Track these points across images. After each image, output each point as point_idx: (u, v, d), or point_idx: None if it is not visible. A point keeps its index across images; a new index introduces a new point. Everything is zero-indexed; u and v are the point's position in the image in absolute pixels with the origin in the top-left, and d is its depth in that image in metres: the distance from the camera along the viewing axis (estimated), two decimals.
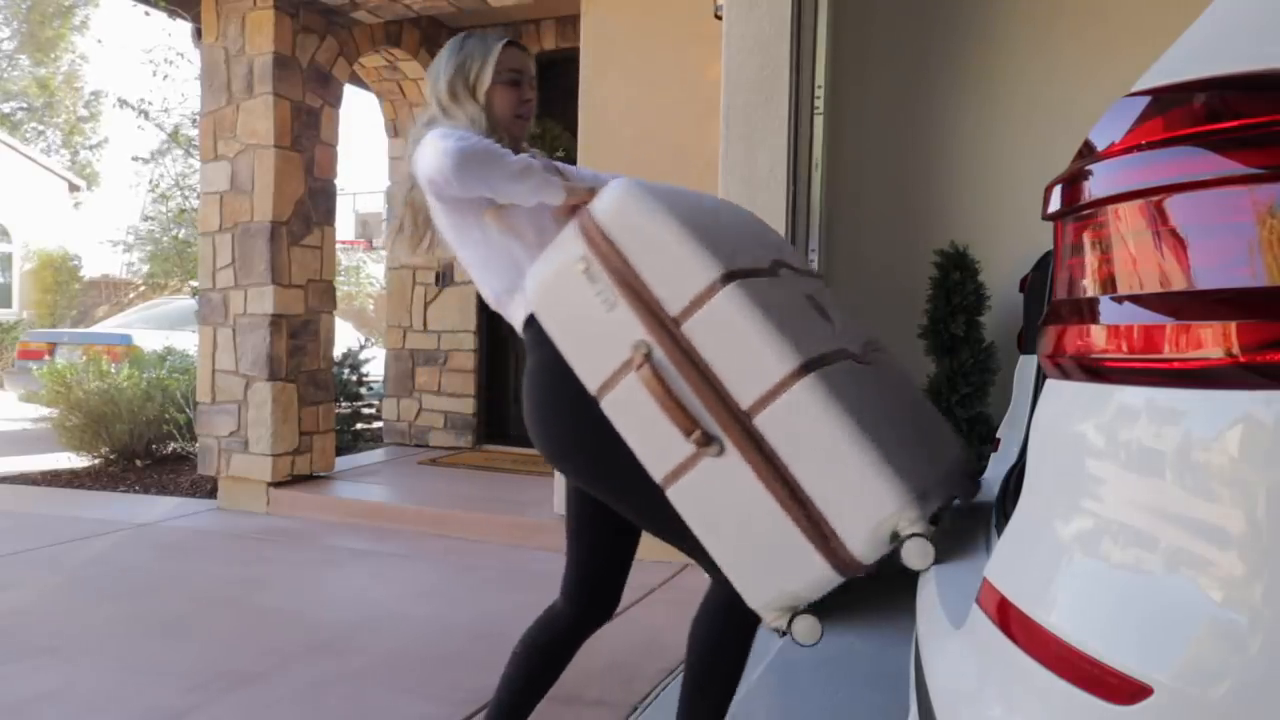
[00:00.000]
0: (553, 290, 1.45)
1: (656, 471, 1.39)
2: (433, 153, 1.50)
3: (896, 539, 1.24)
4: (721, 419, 1.32)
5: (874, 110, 3.72)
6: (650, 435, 1.38)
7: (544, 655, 1.76)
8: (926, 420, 1.55)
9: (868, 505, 1.25)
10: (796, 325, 1.34)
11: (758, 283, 1.35)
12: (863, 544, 1.26)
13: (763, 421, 1.29)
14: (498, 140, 1.66)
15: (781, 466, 1.29)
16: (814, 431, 1.27)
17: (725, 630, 1.57)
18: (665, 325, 1.34)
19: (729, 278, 1.31)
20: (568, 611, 1.75)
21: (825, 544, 1.28)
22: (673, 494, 1.38)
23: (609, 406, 1.42)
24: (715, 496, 1.35)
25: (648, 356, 1.35)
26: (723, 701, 1.61)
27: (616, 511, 1.66)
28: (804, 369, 1.27)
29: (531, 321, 1.63)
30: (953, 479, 1.42)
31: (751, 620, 1.55)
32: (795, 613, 1.35)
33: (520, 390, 1.73)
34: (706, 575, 1.60)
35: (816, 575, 1.30)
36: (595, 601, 1.75)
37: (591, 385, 1.43)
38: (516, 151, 1.74)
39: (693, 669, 1.61)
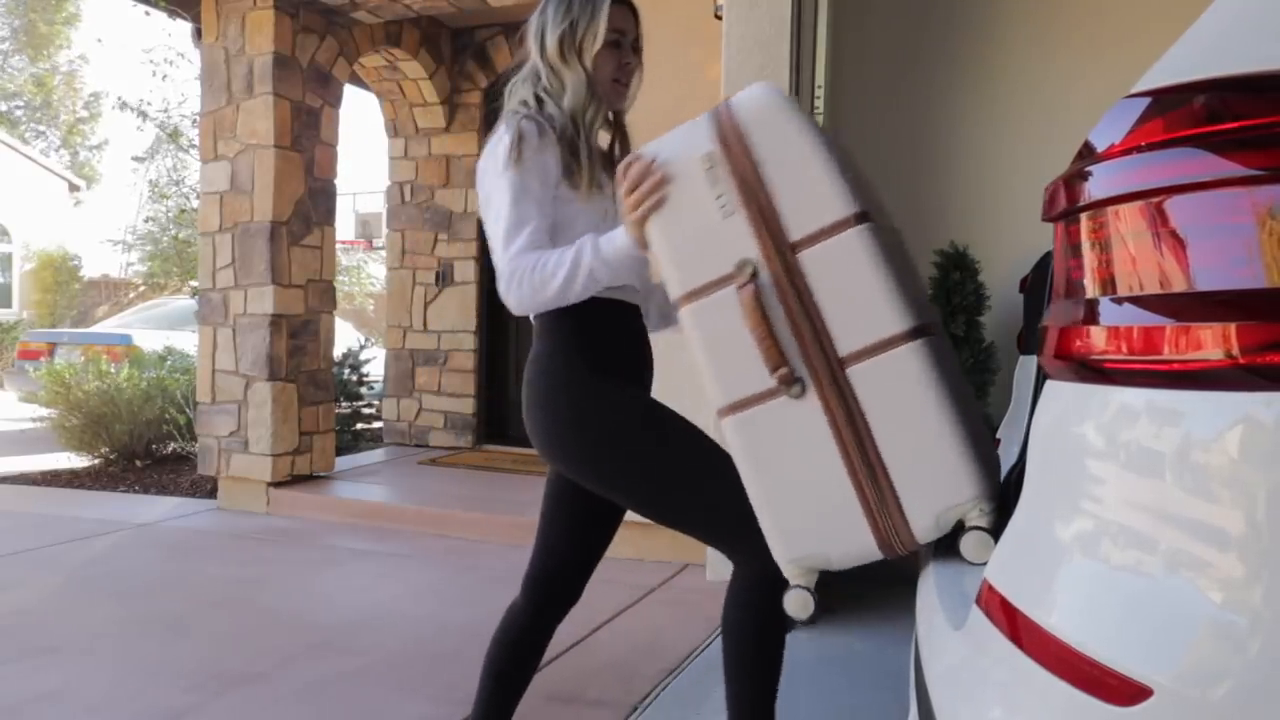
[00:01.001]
0: (665, 180, 1.34)
1: (721, 397, 1.31)
2: (502, 278, 1.52)
3: (960, 528, 1.19)
4: (813, 361, 1.24)
5: (873, 110, 3.71)
6: (727, 358, 1.29)
7: (511, 659, 1.74)
8: (977, 412, 1.51)
9: (945, 487, 1.20)
10: (909, 285, 1.27)
11: (881, 231, 1.28)
12: (926, 525, 1.21)
13: (856, 374, 1.23)
14: (595, 111, 1.61)
15: (862, 426, 1.22)
16: (907, 400, 1.21)
17: (760, 610, 1.51)
18: (781, 248, 1.26)
19: (862, 218, 1.23)
20: (526, 608, 1.73)
21: (880, 516, 1.23)
22: (730, 424, 1.30)
23: (688, 315, 1.32)
24: (778, 439, 1.28)
25: (753, 276, 1.26)
26: (769, 685, 1.54)
27: (601, 503, 1.64)
28: (916, 333, 1.21)
29: (541, 315, 1.61)
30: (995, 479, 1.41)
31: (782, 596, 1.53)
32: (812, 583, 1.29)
33: (520, 389, 1.72)
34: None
35: (858, 546, 1.25)
36: (555, 595, 1.72)
37: (676, 290, 1.34)
38: (616, 114, 1.70)
39: (732, 655, 1.55)
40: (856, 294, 1.23)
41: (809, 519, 1.28)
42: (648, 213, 1.35)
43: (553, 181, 1.57)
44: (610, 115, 1.70)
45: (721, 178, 1.29)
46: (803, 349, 1.25)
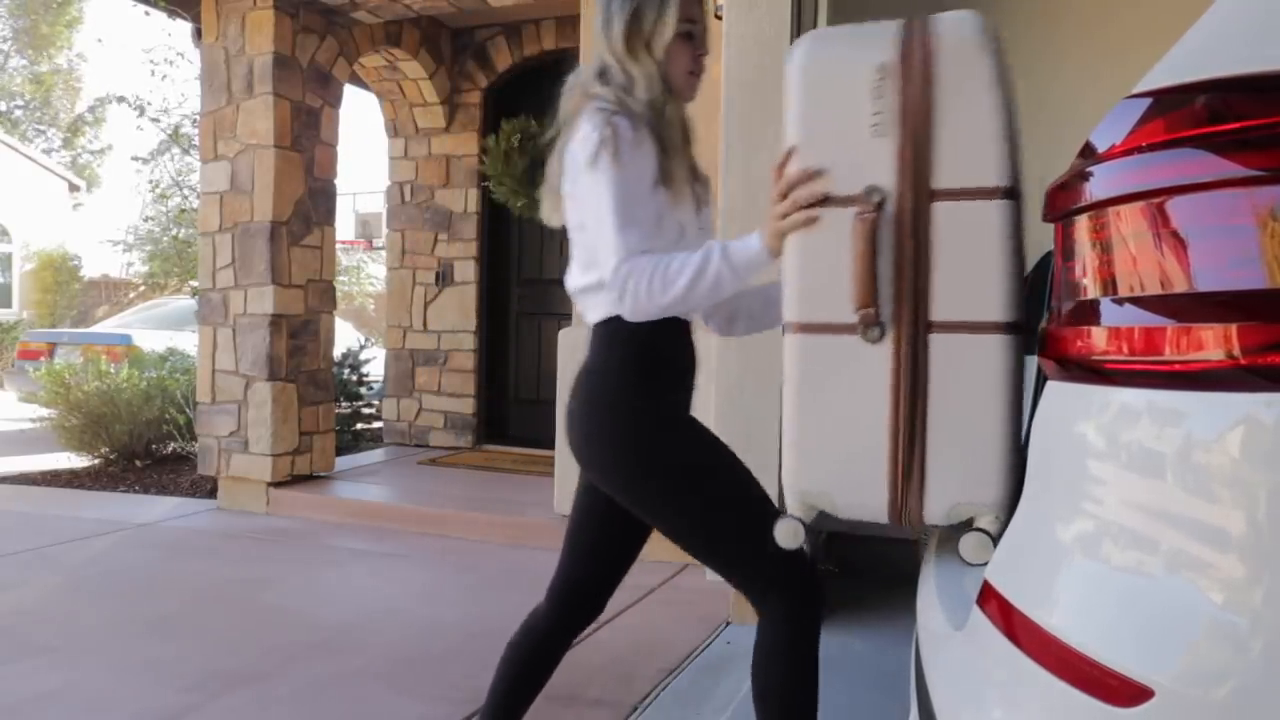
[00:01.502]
0: (824, 78, 1.23)
1: (794, 312, 1.25)
2: (619, 290, 1.42)
3: (966, 526, 1.18)
4: (902, 312, 1.19)
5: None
6: (816, 277, 1.23)
7: (528, 662, 1.71)
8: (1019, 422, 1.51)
9: (973, 483, 1.18)
10: (1020, 276, 1.22)
11: (1019, 210, 1.23)
12: (937, 511, 1.20)
13: (938, 343, 1.18)
14: (672, 108, 1.51)
15: (922, 393, 1.19)
16: (976, 387, 1.17)
17: (789, 659, 1.48)
18: (920, 190, 1.18)
19: (1010, 194, 1.18)
20: (550, 616, 1.70)
21: (901, 484, 1.20)
22: (793, 341, 1.25)
23: (791, 221, 1.27)
24: (835, 373, 1.23)
25: (878, 207, 1.19)
26: None
27: (633, 519, 1.59)
28: (1013, 327, 1.17)
29: (609, 322, 1.53)
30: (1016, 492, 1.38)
31: (812, 643, 1.49)
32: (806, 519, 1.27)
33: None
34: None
35: (868, 503, 1.23)
36: (580, 607, 1.70)
37: None
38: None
39: (760, 707, 1.50)
40: (975, 266, 1.16)
41: (833, 459, 1.25)
42: (796, 228, 1.26)
43: (652, 181, 1.47)
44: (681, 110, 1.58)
45: (888, 94, 1.19)
46: (897, 297, 1.19)
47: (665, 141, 1.50)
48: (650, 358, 1.52)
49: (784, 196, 1.27)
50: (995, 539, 1.15)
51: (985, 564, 1.13)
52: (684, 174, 1.53)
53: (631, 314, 1.46)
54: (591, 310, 1.58)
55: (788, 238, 1.28)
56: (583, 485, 1.70)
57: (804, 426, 1.26)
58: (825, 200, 1.23)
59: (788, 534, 1.29)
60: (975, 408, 1.18)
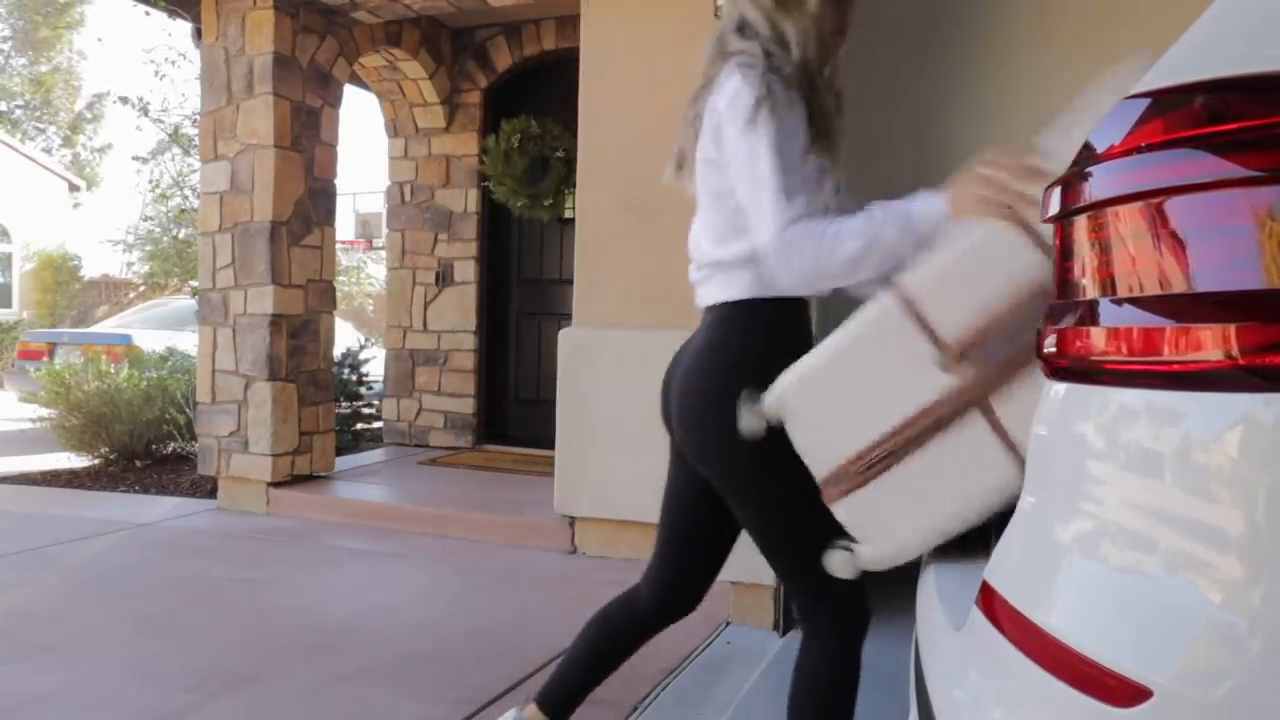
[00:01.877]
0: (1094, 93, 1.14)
1: (911, 284, 1.22)
2: (783, 259, 1.33)
3: (842, 544, 1.27)
4: (979, 375, 1.15)
5: (874, 110, 3.71)
6: (952, 277, 1.21)
7: (611, 650, 1.69)
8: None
9: (885, 527, 1.24)
10: None
11: None
12: (847, 517, 1.27)
13: (974, 424, 1.17)
14: (829, 66, 1.43)
15: (926, 439, 1.19)
16: (967, 484, 1.18)
17: (830, 687, 1.49)
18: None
19: None
20: (652, 599, 1.67)
21: (846, 470, 1.25)
22: (886, 301, 1.23)
23: (985, 224, 1.20)
24: (887, 356, 1.21)
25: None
26: None
27: (730, 513, 1.54)
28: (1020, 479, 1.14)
29: (739, 302, 1.45)
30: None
31: (855, 665, 1.51)
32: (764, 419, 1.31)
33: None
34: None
35: (812, 455, 1.29)
36: (675, 597, 1.67)
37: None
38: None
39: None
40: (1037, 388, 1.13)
41: (823, 407, 1.28)
42: (982, 214, 1.19)
43: (803, 148, 1.37)
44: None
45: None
46: (989, 360, 1.15)
47: (819, 106, 1.41)
48: (775, 342, 1.44)
49: (1000, 179, 1.20)
50: (860, 569, 1.26)
51: (836, 574, 1.29)
52: (839, 143, 1.44)
53: (792, 287, 1.37)
54: (725, 287, 1.47)
55: (967, 220, 1.22)
56: (674, 471, 1.64)
57: (827, 367, 1.27)
58: (1023, 218, 1.16)
59: (749, 420, 1.32)
60: (951, 495, 1.20)
